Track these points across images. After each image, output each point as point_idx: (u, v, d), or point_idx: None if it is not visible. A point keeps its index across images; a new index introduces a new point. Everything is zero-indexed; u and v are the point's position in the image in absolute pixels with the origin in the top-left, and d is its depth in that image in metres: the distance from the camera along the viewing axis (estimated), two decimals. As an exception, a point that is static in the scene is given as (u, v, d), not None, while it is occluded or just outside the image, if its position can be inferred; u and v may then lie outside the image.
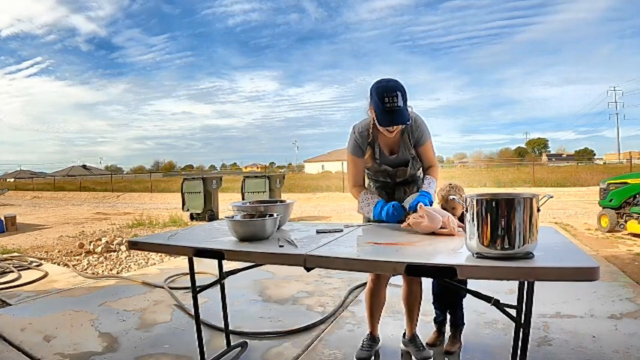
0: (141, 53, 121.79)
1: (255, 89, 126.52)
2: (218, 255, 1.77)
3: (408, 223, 1.89)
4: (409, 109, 1.99)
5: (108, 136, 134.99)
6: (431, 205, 1.96)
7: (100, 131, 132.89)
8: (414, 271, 1.41)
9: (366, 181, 2.39)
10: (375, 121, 2.01)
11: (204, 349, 2.19)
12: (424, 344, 2.34)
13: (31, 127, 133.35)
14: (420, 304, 2.33)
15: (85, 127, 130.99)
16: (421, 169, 2.31)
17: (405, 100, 1.92)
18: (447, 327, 2.51)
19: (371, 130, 2.13)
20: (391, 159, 2.18)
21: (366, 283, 3.70)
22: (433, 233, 1.83)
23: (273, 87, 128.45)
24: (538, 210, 1.35)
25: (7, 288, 3.96)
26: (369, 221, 2.29)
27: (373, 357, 2.33)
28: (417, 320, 2.36)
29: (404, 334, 2.42)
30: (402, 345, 2.42)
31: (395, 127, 2.00)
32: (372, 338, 2.37)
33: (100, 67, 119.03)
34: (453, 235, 1.80)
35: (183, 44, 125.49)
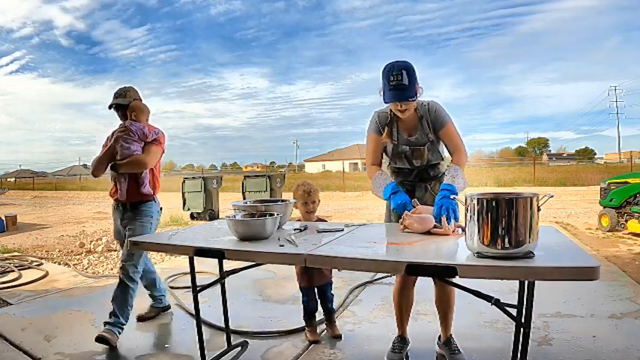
0: (122, 47, 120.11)
1: (246, 86, 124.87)
2: (219, 254, 1.77)
3: (404, 225, 1.90)
4: (419, 90, 2.03)
5: (101, 135, 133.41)
6: (456, 204, 1.88)
7: (92, 130, 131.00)
8: (414, 271, 1.41)
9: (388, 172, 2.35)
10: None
11: (205, 348, 2.19)
12: (458, 347, 2.27)
13: (19, 126, 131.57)
14: (453, 306, 2.27)
15: (76, 126, 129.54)
16: (442, 163, 2.26)
17: (411, 78, 1.97)
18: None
19: (390, 113, 2.19)
20: (409, 140, 2.19)
21: (366, 283, 3.73)
22: (429, 232, 1.84)
23: (263, 84, 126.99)
24: (538, 209, 1.35)
25: (7, 287, 3.96)
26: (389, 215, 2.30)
27: (404, 359, 2.30)
28: (452, 323, 2.30)
29: (439, 337, 2.37)
30: (436, 348, 2.38)
31: (404, 105, 2.03)
32: (402, 340, 2.33)
33: (83, 64, 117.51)
34: (448, 234, 1.80)
35: (165, 37, 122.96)
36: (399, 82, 1.94)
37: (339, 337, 2.63)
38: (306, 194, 2.56)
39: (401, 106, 2.04)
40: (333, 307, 2.76)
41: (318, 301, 2.70)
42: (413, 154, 2.17)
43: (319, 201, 2.64)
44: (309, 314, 2.66)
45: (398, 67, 1.95)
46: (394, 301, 2.33)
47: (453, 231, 1.82)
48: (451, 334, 2.31)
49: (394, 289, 2.33)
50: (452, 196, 1.89)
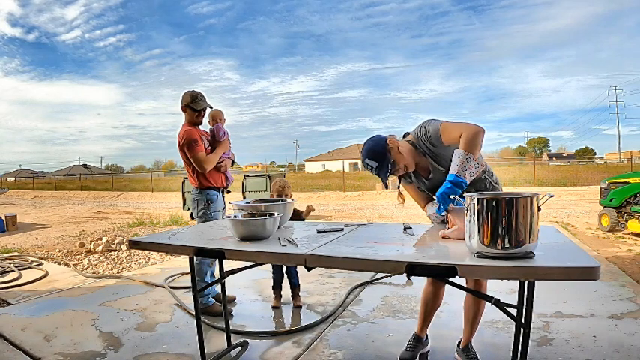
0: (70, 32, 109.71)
1: (215, 83, 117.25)
2: (219, 254, 1.77)
3: (446, 235, 1.72)
4: (393, 142, 2.00)
5: (78, 134, 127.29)
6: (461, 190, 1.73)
7: (65, 130, 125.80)
8: (414, 271, 1.41)
9: None
10: None
11: (205, 348, 2.19)
12: (477, 357, 2.22)
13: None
14: (481, 314, 2.21)
15: (51, 125, 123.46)
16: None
17: (377, 156, 1.99)
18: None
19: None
20: (429, 181, 2.13)
21: (366, 283, 3.73)
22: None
23: (236, 79, 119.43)
24: (538, 209, 1.35)
25: (7, 287, 3.96)
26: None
27: (418, 358, 2.29)
28: (475, 331, 2.23)
29: (458, 342, 2.30)
30: (455, 354, 2.31)
31: (394, 175, 2.09)
32: (418, 339, 2.32)
33: (35, 54, 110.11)
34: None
35: (110, 17, 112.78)
36: (373, 169, 2.01)
37: (299, 307, 3.18)
38: (280, 189, 3.08)
39: (397, 173, 2.08)
40: (298, 282, 3.29)
41: (285, 276, 3.26)
42: None
43: (291, 196, 3.03)
44: (275, 284, 3.25)
45: (363, 161, 2.03)
46: (422, 301, 2.31)
47: None
48: (471, 342, 2.26)
49: (425, 289, 2.30)
50: (452, 196, 1.74)
